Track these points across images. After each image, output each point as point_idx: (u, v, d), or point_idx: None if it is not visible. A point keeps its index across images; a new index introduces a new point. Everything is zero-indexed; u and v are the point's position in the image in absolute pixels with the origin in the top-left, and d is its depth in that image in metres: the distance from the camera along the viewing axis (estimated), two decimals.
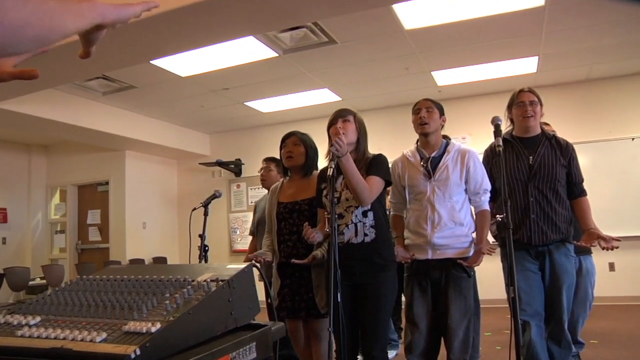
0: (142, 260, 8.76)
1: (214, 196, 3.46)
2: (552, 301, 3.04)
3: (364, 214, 2.83)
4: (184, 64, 5.94)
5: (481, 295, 3.10)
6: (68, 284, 1.47)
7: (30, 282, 8.04)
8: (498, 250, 3.15)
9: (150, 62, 5.73)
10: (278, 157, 3.40)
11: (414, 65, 6.22)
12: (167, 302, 1.20)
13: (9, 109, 6.04)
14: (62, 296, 1.34)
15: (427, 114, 3.11)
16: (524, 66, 6.35)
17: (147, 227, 9.10)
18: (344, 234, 2.81)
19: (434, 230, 3.00)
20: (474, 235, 3.10)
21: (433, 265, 3.01)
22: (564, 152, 3.13)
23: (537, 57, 6.07)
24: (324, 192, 2.93)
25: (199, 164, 9.13)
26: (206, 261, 3.23)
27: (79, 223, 9.41)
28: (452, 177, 3.05)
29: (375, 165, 2.86)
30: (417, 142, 3.26)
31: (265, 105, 7.76)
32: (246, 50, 5.55)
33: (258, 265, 1.46)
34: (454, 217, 3.03)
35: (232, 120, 8.56)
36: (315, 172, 3.26)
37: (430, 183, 3.07)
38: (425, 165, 3.10)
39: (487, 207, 3.11)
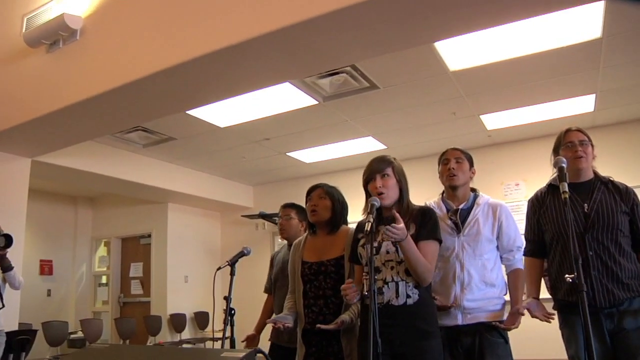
0: (184, 315, 8.56)
1: (242, 254, 3.18)
2: None
3: (407, 271, 2.46)
4: (222, 114, 5.83)
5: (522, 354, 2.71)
6: None
7: (72, 336, 7.96)
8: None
9: (188, 112, 5.65)
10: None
11: (461, 109, 5.91)
12: None
13: (53, 162, 6.04)
14: None
15: (456, 165, 2.87)
16: (580, 105, 5.91)
17: (189, 280, 8.90)
18: (384, 294, 2.45)
19: (463, 292, 2.70)
20: (506, 297, 2.77)
21: (464, 331, 2.68)
22: (625, 197, 2.68)
23: (594, 95, 5.62)
24: (360, 242, 2.61)
25: (242, 216, 8.95)
26: (232, 325, 2.94)
27: (121, 276, 9.35)
28: (484, 231, 2.76)
29: (427, 225, 2.51)
30: (442, 193, 2.98)
31: (308, 155, 7.57)
32: (285, 98, 5.39)
33: (264, 353, 1.16)
34: (485, 277, 2.73)
35: (275, 171, 8.38)
36: (344, 227, 2.98)
37: (459, 238, 2.77)
38: (453, 218, 2.81)
39: (520, 266, 2.81)
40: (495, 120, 6.38)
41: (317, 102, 5.49)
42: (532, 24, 4.06)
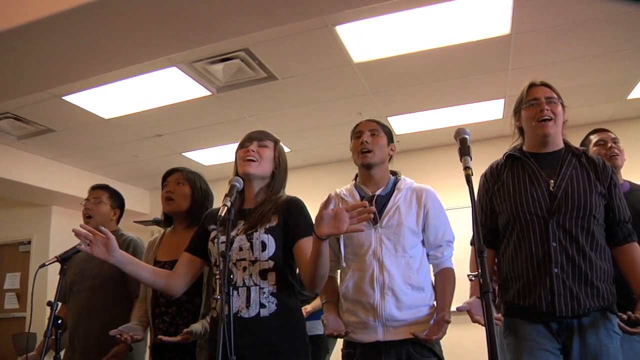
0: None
1: (76, 250, 2.57)
2: None
3: (263, 274, 1.97)
4: (105, 103, 5.15)
5: None
6: None
7: None
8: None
9: (65, 99, 4.96)
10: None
11: (367, 109, 5.51)
12: None
13: None
14: None
15: (371, 138, 2.36)
16: (489, 111, 5.69)
17: None
18: (232, 302, 1.96)
19: (384, 298, 2.18)
20: (435, 303, 2.28)
21: (386, 349, 2.16)
22: (602, 174, 2.15)
23: (503, 100, 5.43)
24: (212, 235, 2.10)
25: (134, 222, 8.20)
26: (57, 338, 2.34)
27: None
28: (406, 222, 2.26)
29: (302, 220, 2.04)
30: (355, 178, 2.48)
31: (206, 156, 6.97)
32: (174, 87, 4.81)
33: None
34: (411, 278, 2.22)
35: None
36: None
37: (376, 231, 2.27)
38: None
39: (451, 264, 2.33)
40: (403, 124, 6.08)
41: (210, 93, 4.95)
42: (439, 13, 3.79)
